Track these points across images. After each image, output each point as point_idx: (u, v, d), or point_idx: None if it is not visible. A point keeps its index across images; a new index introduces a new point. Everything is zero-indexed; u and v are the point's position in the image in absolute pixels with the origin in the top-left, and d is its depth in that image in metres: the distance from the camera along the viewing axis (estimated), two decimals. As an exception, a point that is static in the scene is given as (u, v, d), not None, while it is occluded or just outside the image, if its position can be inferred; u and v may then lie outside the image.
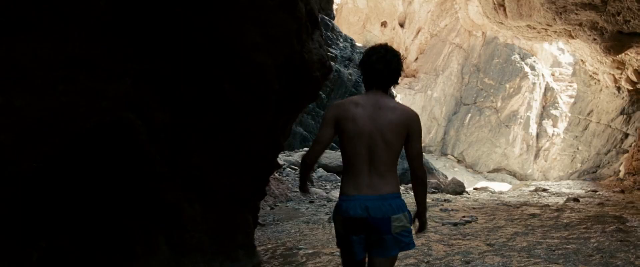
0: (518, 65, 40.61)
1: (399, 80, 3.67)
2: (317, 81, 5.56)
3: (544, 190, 16.27)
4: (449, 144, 41.01)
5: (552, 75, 44.52)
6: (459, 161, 41.21)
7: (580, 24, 17.68)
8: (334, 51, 18.74)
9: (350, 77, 18.55)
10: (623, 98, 22.23)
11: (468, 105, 41.70)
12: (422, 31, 46.35)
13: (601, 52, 17.74)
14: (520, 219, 9.56)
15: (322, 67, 5.61)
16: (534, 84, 40.40)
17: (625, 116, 22.02)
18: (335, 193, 12.32)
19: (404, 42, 46.69)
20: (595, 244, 7.43)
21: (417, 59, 46.69)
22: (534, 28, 19.89)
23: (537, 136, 40.97)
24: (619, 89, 22.44)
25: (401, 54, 3.78)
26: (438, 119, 41.55)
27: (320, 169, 14.42)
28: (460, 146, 40.95)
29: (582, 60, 23.71)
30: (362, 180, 3.43)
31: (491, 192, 16.26)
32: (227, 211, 5.19)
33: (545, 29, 19.56)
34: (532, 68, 40.73)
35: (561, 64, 48.00)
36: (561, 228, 8.68)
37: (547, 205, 11.69)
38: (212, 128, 4.62)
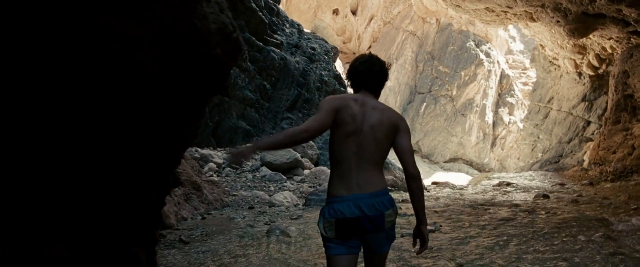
0: (473, 52, 39.69)
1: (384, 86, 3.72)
2: (219, 61, 4.04)
3: (508, 184, 15.09)
4: (404, 134, 39.78)
5: (507, 62, 43.88)
6: (414, 152, 40.10)
7: (542, 5, 16.52)
8: (279, 37, 17.17)
9: (297, 66, 17.02)
10: (584, 84, 21.29)
11: (423, 93, 40.64)
12: (375, 19, 45.15)
13: (565, 35, 16.62)
14: (490, 225, 8.20)
15: (225, 40, 4.06)
16: (489, 71, 39.56)
17: (586, 103, 21.08)
18: (280, 197, 10.81)
19: (356, 30, 45.38)
20: (586, 261, 6.10)
21: (370, 47, 45.42)
22: (493, 11, 18.69)
23: (494, 124, 40.20)
24: (580, 74, 21.48)
25: (386, 62, 3.99)
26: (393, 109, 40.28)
27: (264, 168, 12.89)
28: (416, 136, 39.83)
29: (541, 45, 22.68)
30: (352, 179, 3.40)
31: (452, 188, 14.97)
32: (99, 249, 3.59)
33: (505, 12, 18.38)
34: (488, 55, 39.87)
35: (512, 52, 47.46)
36: (540, 238, 7.35)
37: (517, 205, 10.41)
38: (72, 134, 3.01)
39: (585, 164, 18.96)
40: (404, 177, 3.51)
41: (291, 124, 16.39)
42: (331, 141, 3.48)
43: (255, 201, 10.69)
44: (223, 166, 13.13)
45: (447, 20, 41.83)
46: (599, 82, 21.00)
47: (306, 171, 13.74)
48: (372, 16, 45.22)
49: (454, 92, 39.65)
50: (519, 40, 53.52)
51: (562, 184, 14.85)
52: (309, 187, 12.55)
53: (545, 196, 11.86)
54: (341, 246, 3.40)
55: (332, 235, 3.40)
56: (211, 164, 12.74)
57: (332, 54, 19.37)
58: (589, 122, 20.96)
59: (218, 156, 13.40)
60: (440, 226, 8.18)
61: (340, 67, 24.34)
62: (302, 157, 14.48)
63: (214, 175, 12.50)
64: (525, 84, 46.45)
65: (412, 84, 41.74)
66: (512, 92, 41.18)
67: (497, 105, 40.84)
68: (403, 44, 42.80)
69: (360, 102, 3.50)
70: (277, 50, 16.54)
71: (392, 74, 41.19)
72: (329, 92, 18.03)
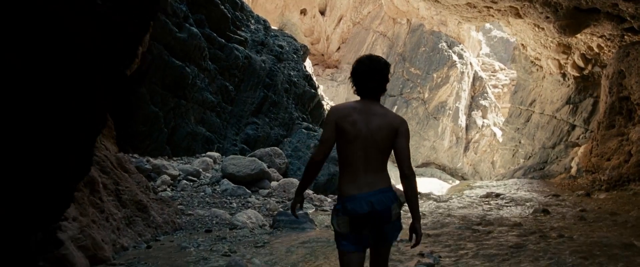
0: (445, 53, 38.54)
1: (386, 87, 3.97)
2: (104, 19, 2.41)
3: (498, 195, 13.67)
4: (375, 138, 38.33)
5: (479, 64, 42.91)
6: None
7: (530, 0, 15.22)
8: (243, 34, 15.54)
9: (263, 65, 15.41)
10: (569, 86, 20.08)
11: (394, 96, 39.35)
12: (344, 19, 43.79)
13: (554, 32, 15.31)
14: (499, 255, 6.72)
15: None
16: (462, 73, 38.45)
17: (571, 106, 19.88)
18: (243, 216, 9.19)
19: (325, 31, 43.93)
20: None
21: (339, 48, 44.06)
22: (475, 6, 17.34)
23: (467, 127, 39.10)
24: (564, 75, 20.27)
25: (389, 64, 4.04)
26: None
27: (225, 181, 11.24)
28: (387, 140, 38.41)
29: (522, 45, 21.44)
30: (361, 179, 3.76)
31: (436, 200, 13.51)
32: None
33: (488, 7, 17.03)
34: (460, 56, 38.77)
35: (479, 54, 46.63)
36: (567, 273, 5.89)
37: (518, 224, 8.96)
38: None
39: (573, 171, 17.71)
40: (400, 177, 3.79)
41: (257, 129, 14.77)
42: (338, 147, 3.83)
43: (214, 222, 9.05)
44: (179, 177, 11.47)
45: (419, 21, 40.64)
46: (584, 84, 19.82)
47: (274, 183, 12.15)
48: (341, 16, 43.83)
49: (426, 95, 38.46)
50: (484, 43, 52.82)
51: (556, 196, 13.52)
52: (277, 202, 10.97)
53: (545, 211, 10.47)
54: (352, 243, 3.78)
55: (346, 230, 3.78)
56: (165, 177, 11.07)
57: (302, 53, 17.82)
58: (574, 126, 19.76)
59: (173, 166, 11.72)
60: (440, 257, 6.66)
61: (310, 67, 22.76)
62: (269, 167, 12.90)
63: (168, 189, 10.84)
64: (495, 86, 45.61)
65: (383, 87, 40.35)
66: (485, 94, 40.14)
67: (470, 108, 39.76)
68: (373, 45, 41.49)
69: (361, 109, 3.82)
70: (241, 48, 14.92)
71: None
72: (298, 95, 16.47)
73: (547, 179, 18.12)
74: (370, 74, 3.84)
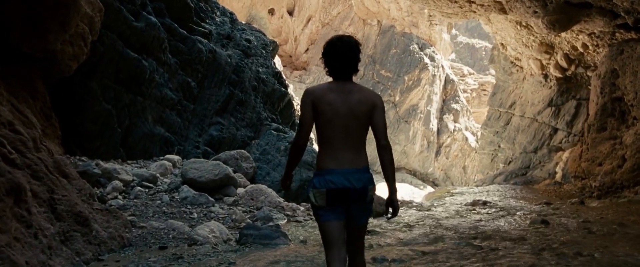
0: (417, 55, 37.62)
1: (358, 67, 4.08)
2: None
3: (485, 203, 12.60)
4: (344, 141, 37.10)
5: (451, 67, 42.15)
6: (355, 160, 37.58)
7: (517, -7, 14.24)
8: (208, 26, 14.19)
9: (229, 61, 14.09)
10: (551, 87, 19.18)
11: (364, 99, 38.18)
12: (313, 20, 42.60)
13: (543, 28, 14.31)
14: (515, 279, 5.56)
15: None
16: (433, 75, 37.58)
17: (553, 108, 18.97)
18: (204, 229, 7.89)
19: (293, 32, 42.71)
20: None
21: (307, 50, 42.87)
22: (456, 1, 16.30)
23: (438, 131, 38.21)
24: (546, 76, 19.37)
25: (360, 43, 4.15)
26: (332, 115, 37.44)
27: (185, 187, 9.91)
28: (357, 144, 37.29)
29: (501, 44, 20.50)
30: (342, 155, 3.86)
31: (419, 208, 12.38)
32: None
33: (471, 2, 16.00)
34: (432, 59, 37.88)
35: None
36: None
37: (523, 238, 7.86)
38: None
39: (558, 177, 16.79)
40: (378, 148, 3.91)
41: (221, 130, 13.46)
42: (317, 127, 3.96)
43: (170, 236, 7.73)
44: (132, 183, 10.11)
45: (390, 22, 39.67)
46: (566, 86, 18.95)
47: (240, 190, 10.87)
48: (310, 17, 42.63)
49: (397, 98, 37.46)
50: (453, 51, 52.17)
51: (547, 204, 12.49)
52: (244, 212, 9.69)
53: (545, 222, 9.39)
54: (331, 213, 3.89)
55: (322, 203, 3.87)
56: (116, 183, 9.70)
57: (271, 48, 16.56)
58: (556, 130, 18.86)
59: (127, 171, 10.35)
60: (445, 283, 5.48)
61: (279, 65, 21.48)
62: (235, 171, 11.62)
63: (119, 197, 9.47)
64: (464, 90, 44.96)
65: (353, 89, 39.25)
66: (457, 98, 39.34)
67: (442, 112, 38.91)
68: (343, 46, 40.29)
69: (337, 88, 3.92)
70: (205, 41, 13.59)
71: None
72: (267, 93, 15.20)
73: (530, 185, 17.15)
74: (343, 55, 3.94)
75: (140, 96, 11.75)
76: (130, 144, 11.73)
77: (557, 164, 17.25)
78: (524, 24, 17.62)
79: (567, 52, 17.78)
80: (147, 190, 10.04)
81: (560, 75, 18.73)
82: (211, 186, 10.32)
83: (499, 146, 21.09)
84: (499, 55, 21.53)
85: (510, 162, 19.98)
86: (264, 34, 16.98)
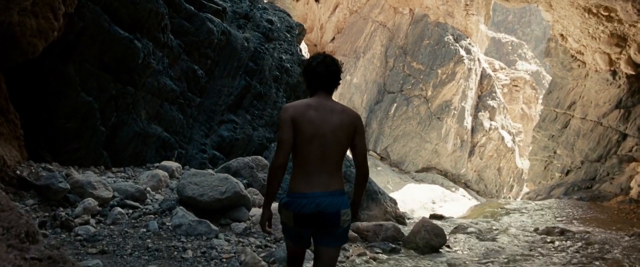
0: (452, 47, 34.83)
1: (340, 84, 4.11)
2: None
3: (563, 233, 9.96)
4: (370, 138, 34.73)
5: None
6: (382, 159, 35.14)
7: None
8: (221, 2, 11.62)
9: (246, 45, 11.54)
10: (619, 86, 16.42)
11: (393, 93, 35.61)
12: (340, 7, 39.89)
13: (633, 13, 11.58)
14: None
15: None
16: (469, 69, 34.79)
17: (622, 111, 16.21)
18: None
19: (319, 19, 40.10)
20: None
21: (333, 39, 40.18)
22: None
23: (472, 130, 35.44)
24: (614, 73, 16.60)
25: (339, 61, 4.09)
26: (358, 109, 35.08)
27: (181, 210, 7.39)
28: (384, 141, 34.81)
29: (561, 35, 17.72)
30: (315, 178, 3.75)
31: (477, 235, 9.80)
32: None
33: (539, -19, 13.30)
34: (468, 51, 35.08)
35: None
36: None
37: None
38: None
39: (634, 193, 14.09)
40: (355, 174, 3.98)
41: (234, 130, 10.95)
42: (294, 145, 3.79)
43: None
44: (112, 202, 7.64)
45: (423, 11, 36.90)
46: (638, 84, 16.18)
47: (255, 211, 8.34)
48: (338, 4, 39.95)
49: (429, 93, 34.74)
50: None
51: (644, 235, 9.83)
52: (258, 247, 7.18)
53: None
54: (294, 236, 3.86)
55: (290, 225, 3.80)
56: (89, 202, 7.25)
57: (297, 32, 13.98)
58: (625, 136, 16.12)
59: (106, 184, 7.85)
60: None
61: (305, 52, 18.89)
62: (248, 185, 9.16)
63: (92, 222, 7.01)
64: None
65: (381, 82, 36.65)
66: (494, 94, 36.51)
67: (477, 108, 36.12)
68: (371, 36, 37.62)
69: (318, 106, 3.84)
70: (217, 20, 11.05)
71: (359, 70, 36.07)
72: (291, 85, 12.65)
73: (598, 201, 14.47)
74: (320, 74, 3.91)
75: (131, 86, 9.26)
76: (118, 147, 9.27)
77: (631, 177, 14.53)
78: (594, 10, 14.88)
79: (645, 45, 15.01)
80: (130, 212, 7.54)
81: (633, 73, 15.96)
82: (216, 207, 7.82)
83: (555, 152, 18.37)
84: (557, 48, 18.77)
85: (568, 171, 17.26)
86: (289, 15, 14.36)
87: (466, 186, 35.09)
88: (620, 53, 15.84)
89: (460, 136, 34.72)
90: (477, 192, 35.25)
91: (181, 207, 7.55)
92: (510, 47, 76.78)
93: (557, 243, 9.21)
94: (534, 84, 50.13)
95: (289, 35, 13.17)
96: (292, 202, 3.75)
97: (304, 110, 3.78)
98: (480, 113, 35.79)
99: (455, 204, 30.27)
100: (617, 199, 14.10)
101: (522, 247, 8.87)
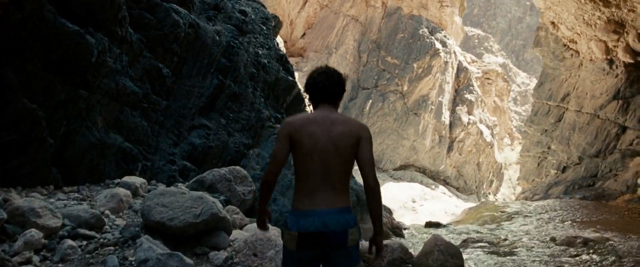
0: (427, 40, 33.82)
1: (343, 96, 3.91)
2: None
3: (586, 243, 8.81)
4: (346, 136, 33.30)
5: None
6: (359, 157, 33.83)
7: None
8: (187, -9, 10.20)
9: (217, 38, 10.15)
10: (617, 76, 15.41)
11: (368, 89, 34.51)
12: (310, 1, 38.58)
13: None
14: None
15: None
16: (446, 62, 33.80)
17: (620, 102, 15.22)
18: None
19: (289, 15, 38.71)
20: None
21: (304, 34, 38.86)
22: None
23: (450, 124, 34.46)
24: (611, 62, 15.58)
25: (343, 74, 3.95)
26: (332, 107, 33.60)
27: (146, 240, 6.01)
28: (360, 139, 33.48)
29: (552, 23, 16.66)
30: (318, 194, 3.56)
31: (493, 248, 8.61)
32: None
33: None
34: (444, 44, 34.11)
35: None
36: None
37: None
38: None
39: (642, 190, 13.07)
40: (363, 187, 3.65)
41: (207, 137, 9.56)
42: (294, 159, 3.66)
43: None
44: (61, 232, 6.22)
45: (396, 4, 35.80)
46: (637, 74, 15.20)
47: (236, 235, 6.99)
48: (307, -2, 38.69)
49: (405, 88, 33.66)
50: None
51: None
52: (245, 283, 5.87)
53: None
54: (297, 262, 3.56)
55: (292, 247, 3.53)
56: (32, 234, 5.85)
57: (273, 24, 12.63)
58: (624, 128, 15.13)
59: (53, 210, 6.42)
60: None
61: (282, 46, 17.52)
62: (227, 201, 7.83)
63: (35, 260, 5.63)
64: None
65: (355, 78, 35.49)
66: (471, 87, 35.61)
67: (454, 103, 35.16)
68: (343, 31, 36.45)
69: (319, 119, 3.68)
70: (183, 11, 9.63)
71: (331, 66, 34.69)
72: (269, 83, 11.30)
73: (603, 200, 13.43)
74: (324, 87, 3.76)
75: (84, 89, 7.83)
76: (70, 161, 7.83)
77: (637, 173, 13.50)
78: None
79: (644, 31, 14.01)
80: (84, 244, 6.13)
81: (631, 61, 14.98)
82: (189, 233, 6.45)
83: (549, 148, 17.35)
84: (547, 37, 17.73)
85: (564, 168, 16.20)
86: (263, 5, 12.98)
87: (446, 183, 34.16)
88: (618, 40, 14.84)
89: (438, 131, 33.74)
90: (457, 188, 34.36)
91: (147, 236, 6.15)
92: (476, 40, 76.46)
93: (584, 256, 8.08)
94: (505, 77, 49.62)
95: (264, 28, 11.81)
96: (296, 220, 3.56)
97: (304, 123, 3.64)
98: (458, 107, 34.91)
99: (436, 202, 29.34)
100: (624, 198, 13.08)
101: (546, 262, 7.68)
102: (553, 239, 9.30)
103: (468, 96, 35.13)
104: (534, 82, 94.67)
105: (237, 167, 8.69)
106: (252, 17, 11.63)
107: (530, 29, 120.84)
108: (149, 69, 8.93)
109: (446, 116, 33.98)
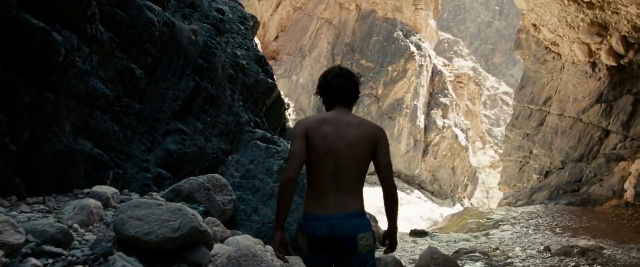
0: (402, 43, 33.56)
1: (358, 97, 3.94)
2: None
3: (584, 253, 8.45)
4: (320, 140, 32.87)
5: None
6: (334, 162, 33.45)
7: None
8: (161, -12, 9.61)
9: (194, 38, 9.58)
10: (600, 79, 15.19)
11: (342, 93, 33.91)
12: (283, 3, 38.08)
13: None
14: None
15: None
16: (420, 66, 33.56)
17: (603, 105, 15.01)
18: None
19: (261, 17, 38.13)
20: None
21: (277, 37, 38.35)
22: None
23: (425, 128, 34.21)
24: (593, 65, 15.37)
25: (356, 73, 3.99)
26: (305, 110, 33.50)
27: (119, 257, 5.44)
28: (335, 143, 33.08)
29: (534, 25, 16.40)
30: (329, 198, 3.53)
31: (488, 262, 8.19)
32: None
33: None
34: (418, 47, 33.89)
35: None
36: None
37: None
38: None
39: (629, 195, 12.83)
40: (383, 192, 3.64)
41: (183, 142, 8.99)
42: (307, 161, 3.58)
43: None
44: (24, 249, 5.61)
45: (370, 6, 35.50)
46: (620, 77, 15.02)
47: (217, 250, 6.45)
48: (280, 0, 38.10)
49: (380, 91, 33.36)
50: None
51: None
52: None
53: None
54: (317, 262, 3.56)
55: (306, 250, 3.57)
56: (-12, 251, 5.24)
57: (251, 24, 12.10)
58: (607, 132, 14.91)
59: (15, 225, 5.79)
60: None
61: (259, 46, 17.00)
62: (206, 212, 7.29)
63: (-7, 280, 5.02)
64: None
65: (329, 82, 34.93)
66: (446, 91, 35.44)
67: (429, 106, 34.94)
68: (317, 33, 36.04)
69: (333, 120, 3.66)
70: (158, 9, 9.03)
71: (305, 70, 34.45)
72: (248, 86, 10.76)
73: (590, 205, 13.16)
74: (348, 87, 3.78)
75: (50, 91, 7.20)
76: (34, 170, 7.19)
77: (623, 178, 13.26)
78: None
79: (626, 34, 13.80)
80: (50, 262, 5.51)
81: (614, 64, 14.79)
82: (167, 248, 5.89)
83: (531, 152, 17.09)
84: (528, 40, 17.50)
85: (547, 172, 15.93)
86: (240, 5, 12.45)
87: (421, 187, 33.91)
88: (601, 43, 14.63)
89: (413, 135, 33.49)
90: (432, 193, 34.13)
91: (120, 253, 5.59)
92: (446, 45, 76.78)
93: (579, 263, 7.67)
94: (477, 80, 49.73)
95: (242, 28, 11.27)
96: (306, 224, 3.55)
97: (318, 124, 3.59)
98: (433, 111, 34.72)
99: (411, 207, 29.06)
100: (611, 203, 12.83)
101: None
102: (547, 249, 8.93)
103: (443, 100, 34.98)
104: (503, 86, 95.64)
105: (216, 175, 8.16)
106: (230, 16, 11.08)
107: (499, 34, 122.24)
108: (121, 70, 8.33)
109: (421, 120, 33.76)
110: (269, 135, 10.18)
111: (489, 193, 42.89)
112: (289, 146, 3.76)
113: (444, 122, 34.29)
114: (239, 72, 10.46)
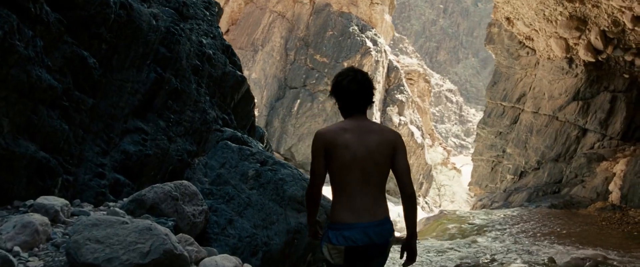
0: (357, 38, 32.70)
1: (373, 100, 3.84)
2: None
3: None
4: (272, 137, 31.93)
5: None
6: (286, 160, 32.41)
7: None
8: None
9: (154, 23, 8.35)
10: (577, 75, 14.61)
11: (296, 88, 33.08)
12: (234, -4, 36.73)
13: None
14: None
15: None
16: (377, 61, 32.79)
17: (580, 102, 14.42)
18: None
19: (211, 10, 36.66)
20: None
21: (228, 31, 36.97)
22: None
23: (381, 126, 33.57)
24: (570, 61, 14.76)
25: (369, 75, 3.87)
26: (258, 106, 32.18)
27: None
28: (288, 141, 32.20)
29: (507, 19, 15.69)
30: (360, 206, 3.54)
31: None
32: None
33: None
34: (374, 42, 33.11)
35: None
36: None
37: None
38: None
39: (614, 198, 12.24)
40: (401, 195, 3.64)
41: (144, 143, 7.76)
42: (331, 171, 3.60)
43: None
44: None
45: (324, 0, 34.48)
46: (597, 74, 14.47)
47: (195, 274, 5.33)
48: (231, -7, 36.76)
49: (335, 87, 32.46)
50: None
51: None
52: None
53: None
54: (353, 263, 3.53)
55: (339, 261, 3.52)
56: None
57: (216, 9, 10.93)
58: (585, 130, 14.33)
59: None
60: None
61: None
62: (176, 227, 6.14)
63: None
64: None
65: (282, 77, 33.97)
66: (402, 87, 34.78)
67: (385, 103, 34.22)
68: (270, 27, 34.85)
69: (353, 128, 3.62)
70: (115, -11, 7.78)
71: (257, 64, 33.21)
72: (216, 79, 9.58)
73: (573, 208, 12.51)
74: (352, 92, 3.69)
75: (-18, 82, 5.91)
76: (-36, 178, 5.89)
77: (606, 179, 12.65)
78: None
79: (606, 29, 13.22)
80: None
81: (592, 60, 14.23)
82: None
83: (504, 151, 16.38)
84: (501, 34, 16.82)
85: (522, 173, 15.25)
86: (204, -12, 11.22)
87: (376, 186, 33.19)
88: (579, 38, 14.03)
89: (369, 132, 32.75)
90: (388, 191, 33.44)
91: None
92: (392, 42, 76.66)
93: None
94: (426, 77, 49.50)
95: (208, 14, 10.06)
96: (339, 235, 3.51)
97: (339, 134, 3.57)
98: (388, 108, 34.03)
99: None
100: (596, 206, 12.24)
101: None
102: (552, 261, 8.13)
103: (399, 96, 34.34)
104: (447, 83, 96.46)
105: (185, 182, 6.99)
106: (194, 0, 9.86)
107: (443, 32, 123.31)
108: (71, 58, 7.04)
109: (377, 117, 33.01)
110: (239, 134, 9.04)
111: (440, 191, 42.63)
112: (312, 162, 3.68)
113: (400, 119, 33.66)
114: (205, 63, 9.28)
